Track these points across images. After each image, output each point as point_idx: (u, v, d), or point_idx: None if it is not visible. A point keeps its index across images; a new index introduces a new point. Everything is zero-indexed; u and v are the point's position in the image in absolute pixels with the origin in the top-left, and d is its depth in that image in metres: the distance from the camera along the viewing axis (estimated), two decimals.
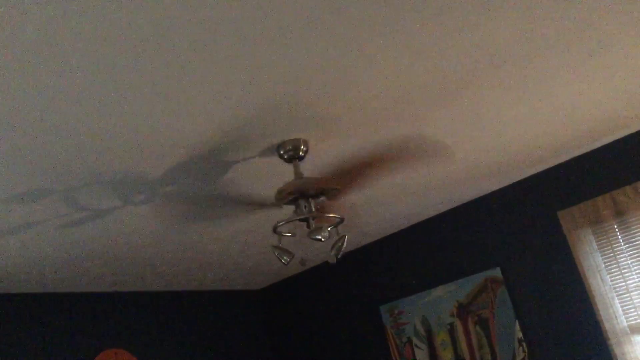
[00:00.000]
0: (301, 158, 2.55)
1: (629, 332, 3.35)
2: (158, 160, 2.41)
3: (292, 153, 2.52)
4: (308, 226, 2.51)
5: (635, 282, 3.36)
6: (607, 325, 3.38)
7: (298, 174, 2.51)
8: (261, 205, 3.17)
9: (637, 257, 3.37)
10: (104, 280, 3.99)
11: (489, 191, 3.99)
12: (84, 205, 2.67)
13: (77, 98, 1.85)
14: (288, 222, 2.49)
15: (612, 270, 3.44)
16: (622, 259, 3.42)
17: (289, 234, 2.73)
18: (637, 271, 3.36)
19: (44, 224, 2.76)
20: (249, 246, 3.95)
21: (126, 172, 2.45)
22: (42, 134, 2.01)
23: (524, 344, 3.73)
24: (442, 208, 4.15)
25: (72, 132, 2.04)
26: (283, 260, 2.60)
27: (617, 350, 3.33)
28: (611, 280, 3.44)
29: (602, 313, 3.40)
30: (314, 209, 2.48)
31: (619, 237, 3.44)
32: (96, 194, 2.59)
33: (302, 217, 2.46)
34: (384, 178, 3.24)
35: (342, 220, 2.59)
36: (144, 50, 1.69)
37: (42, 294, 3.95)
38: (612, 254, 3.45)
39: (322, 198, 2.57)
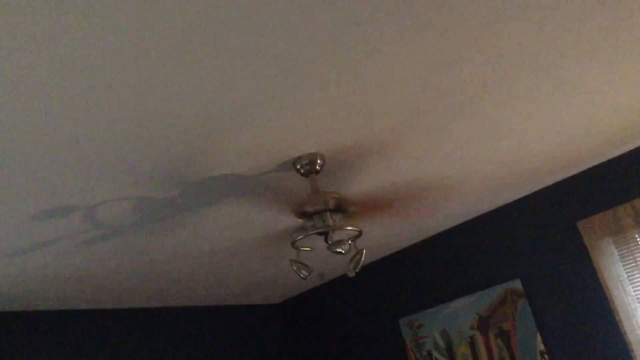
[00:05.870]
0: (318, 172, 2.55)
1: None
2: (176, 176, 2.43)
3: (308, 167, 2.53)
4: (326, 240, 2.51)
5: None
6: (630, 337, 3.32)
7: (315, 188, 2.51)
8: (279, 220, 3.18)
9: None
10: (124, 297, 4.01)
11: (508, 202, 3.96)
12: (104, 222, 2.69)
13: (97, 114, 1.87)
14: (306, 236, 2.49)
15: (635, 280, 3.39)
16: None
17: (307, 248, 2.73)
18: None
19: (65, 241, 2.79)
20: (267, 260, 3.95)
21: (146, 189, 2.47)
22: (62, 151, 2.03)
23: (546, 357, 3.68)
24: (461, 219, 4.13)
25: (93, 148, 2.07)
26: (301, 275, 2.59)
27: None
28: (634, 291, 3.39)
29: (625, 324, 3.35)
30: (332, 223, 2.48)
31: None
32: (116, 211, 2.61)
33: (321, 230, 2.46)
34: (399, 186, 3.23)
35: (360, 233, 2.58)
36: (167, 62, 1.71)
37: (63, 311, 3.97)
38: (634, 264, 3.41)
39: (340, 213, 2.57)
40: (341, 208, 2.55)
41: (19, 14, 1.38)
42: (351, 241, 2.58)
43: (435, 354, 4.21)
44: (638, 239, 3.40)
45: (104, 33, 1.51)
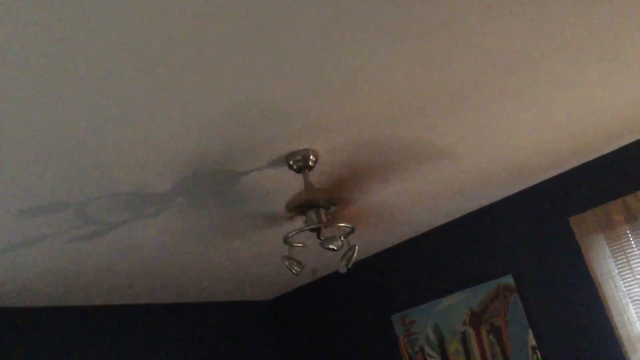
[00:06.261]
0: (310, 168, 2.55)
1: None
2: (168, 173, 2.42)
3: (301, 163, 2.52)
4: (319, 236, 2.51)
5: None
6: (621, 332, 3.34)
7: (308, 184, 2.50)
8: (272, 216, 3.17)
9: None
10: (115, 293, 4.00)
11: (500, 198, 3.97)
12: (95, 219, 2.68)
13: (86, 110, 1.86)
14: (299, 232, 2.49)
15: (626, 276, 3.41)
16: (636, 265, 3.38)
17: (300, 245, 2.72)
18: None
19: (56, 237, 2.77)
20: (259, 257, 3.95)
21: (137, 185, 2.46)
22: (54, 147, 2.02)
23: (538, 352, 3.69)
24: (453, 216, 4.13)
25: (84, 145, 2.05)
26: (294, 271, 2.59)
27: (632, 358, 3.29)
28: (625, 286, 3.41)
29: (616, 320, 3.37)
30: (324, 219, 2.48)
31: (632, 242, 3.41)
32: (107, 207, 2.59)
33: (313, 226, 2.45)
34: (392, 182, 3.23)
35: (352, 230, 2.58)
36: (151, 60, 1.70)
37: (54, 307, 3.95)
38: (625, 260, 3.42)
39: (333, 208, 2.57)
40: (335, 204, 2.55)
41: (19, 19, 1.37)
42: (343, 237, 2.58)
43: (427, 349, 4.22)
44: (629, 235, 3.42)
45: (103, 32, 1.50)
